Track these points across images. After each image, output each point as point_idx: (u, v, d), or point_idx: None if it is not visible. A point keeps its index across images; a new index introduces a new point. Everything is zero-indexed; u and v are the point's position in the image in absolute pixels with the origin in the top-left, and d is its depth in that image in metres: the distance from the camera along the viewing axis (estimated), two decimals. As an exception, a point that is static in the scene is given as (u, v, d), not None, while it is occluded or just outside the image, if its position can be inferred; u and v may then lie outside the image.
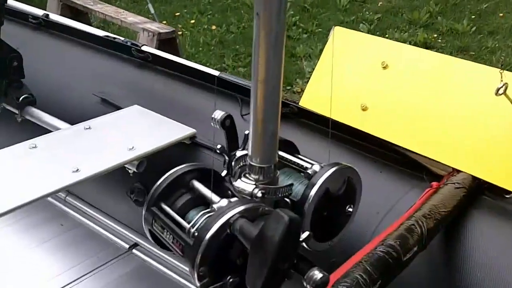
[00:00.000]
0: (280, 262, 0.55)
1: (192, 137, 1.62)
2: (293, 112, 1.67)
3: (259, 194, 0.67)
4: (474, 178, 1.33)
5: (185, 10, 5.56)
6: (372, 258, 1.04)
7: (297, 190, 0.73)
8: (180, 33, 4.85)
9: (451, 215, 1.23)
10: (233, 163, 0.73)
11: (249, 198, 0.68)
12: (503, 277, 1.19)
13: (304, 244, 0.71)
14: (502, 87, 1.25)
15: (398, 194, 1.41)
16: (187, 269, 1.83)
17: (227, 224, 0.62)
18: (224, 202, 0.66)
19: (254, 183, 0.69)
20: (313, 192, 0.70)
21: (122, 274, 1.88)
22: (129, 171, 1.56)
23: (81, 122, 1.62)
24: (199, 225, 0.66)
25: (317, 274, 0.66)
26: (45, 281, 1.83)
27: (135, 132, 1.61)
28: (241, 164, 0.73)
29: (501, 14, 5.38)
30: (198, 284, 0.63)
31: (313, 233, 0.72)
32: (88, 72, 1.96)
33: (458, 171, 1.36)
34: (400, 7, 5.56)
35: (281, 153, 0.79)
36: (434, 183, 1.35)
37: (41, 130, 1.65)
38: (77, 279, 1.84)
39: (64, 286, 1.81)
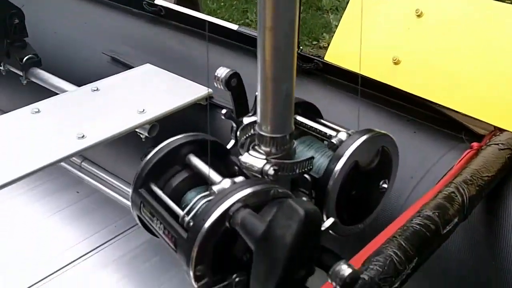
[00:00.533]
0: (294, 270, 0.41)
1: (208, 98, 1.49)
2: (318, 68, 1.52)
3: (271, 171, 0.52)
4: (520, 138, 1.18)
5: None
6: (407, 232, 0.91)
7: (319, 164, 0.58)
8: (200, -15, 4.66)
9: (495, 180, 1.08)
10: (238, 132, 0.59)
11: (259, 176, 0.53)
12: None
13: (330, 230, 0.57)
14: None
15: (434, 157, 1.26)
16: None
17: (226, 215, 0.48)
18: (226, 183, 0.51)
19: (265, 157, 0.54)
20: (338, 166, 0.55)
21: (142, 243, 1.78)
22: (141, 136, 1.44)
23: (89, 83, 1.50)
24: (196, 212, 0.52)
25: (345, 270, 0.52)
26: (63, 251, 1.74)
27: (147, 93, 1.47)
28: (249, 134, 0.59)
29: None
30: (195, 286, 0.50)
31: (340, 217, 0.58)
32: (97, 29, 1.80)
33: (502, 130, 1.21)
34: None
35: (299, 118, 0.64)
36: (475, 144, 1.20)
37: (47, 92, 1.53)
38: (95, 248, 1.75)
39: (82, 256, 1.73)
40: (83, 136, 1.26)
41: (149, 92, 1.47)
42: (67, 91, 1.50)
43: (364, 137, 0.56)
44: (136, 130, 1.39)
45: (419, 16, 1.33)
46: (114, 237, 1.81)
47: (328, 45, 1.48)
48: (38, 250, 1.75)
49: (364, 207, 0.61)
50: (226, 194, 0.49)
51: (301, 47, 1.51)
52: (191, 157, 0.58)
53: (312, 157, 0.56)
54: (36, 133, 1.27)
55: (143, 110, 1.38)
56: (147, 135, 1.41)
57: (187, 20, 1.70)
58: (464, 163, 1.13)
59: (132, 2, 1.78)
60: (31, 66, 1.58)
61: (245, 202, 0.48)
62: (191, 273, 0.49)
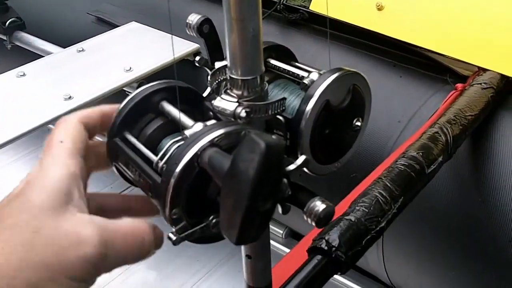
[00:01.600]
0: (259, 203, 0.42)
1: (196, 53, 1.48)
2: (304, 18, 1.51)
3: (243, 114, 0.53)
4: (503, 77, 1.18)
5: None
6: (393, 173, 0.92)
7: (293, 106, 0.58)
8: None
9: (478, 119, 1.09)
10: (209, 77, 0.59)
11: (232, 119, 0.54)
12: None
13: (305, 169, 0.58)
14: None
15: (420, 100, 1.27)
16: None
17: (197, 156, 0.49)
18: (198, 126, 0.52)
19: (236, 100, 0.54)
20: (310, 106, 0.55)
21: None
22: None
23: (75, 44, 1.49)
24: (169, 156, 0.53)
25: (319, 205, 0.52)
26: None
27: (133, 51, 1.47)
28: (221, 79, 0.59)
29: None
30: (173, 229, 0.51)
31: (315, 155, 0.58)
32: (81, -11, 1.80)
33: (485, 70, 1.22)
34: None
35: (273, 61, 0.64)
36: (459, 85, 1.21)
37: (33, 56, 1.52)
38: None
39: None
40: (70, 97, 1.26)
41: (136, 50, 1.47)
42: (52, 53, 1.49)
43: (334, 76, 0.56)
44: (124, 88, 1.38)
45: (401, -41, 1.32)
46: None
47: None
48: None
49: (339, 145, 0.62)
50: (197, 136, 0.49)
51: (286, -3, 1.50)
52: (164, 104, 0.58)
53: (284, 98, 0.56)
54: (22, 96, 1.27)
55: (130, 68, 1.38)
56: (135, 93, 1.41)
57: (171, -24, 1.68)
58: (448, 104, 1.14)
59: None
60: (15, 30, 1.57)
61: (216, 143, 0.48)
62: (168, 218, 0.50)
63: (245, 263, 0.67)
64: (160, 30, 1.57)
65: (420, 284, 1.31)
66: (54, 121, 1.21)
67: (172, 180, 0.47)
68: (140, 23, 1.60)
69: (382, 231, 0.86)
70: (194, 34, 0.62)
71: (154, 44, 1.51)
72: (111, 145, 0.56)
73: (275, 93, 0.61)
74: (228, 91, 0.55)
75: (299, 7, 1.53)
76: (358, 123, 0.61)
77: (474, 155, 1.14)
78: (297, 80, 0.61)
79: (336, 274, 0.78)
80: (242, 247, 0.65)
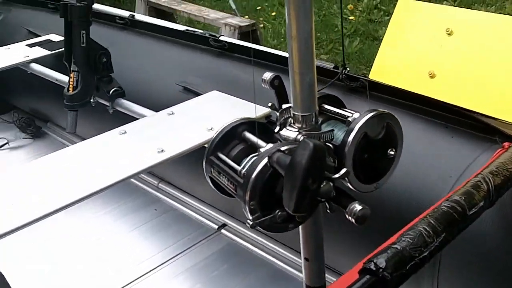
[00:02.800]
0: (308, 183, 0.66)
1: (267, 116, 1.74)
2: (363, 86, 1.75)
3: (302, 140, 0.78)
4: (546, 136, 1.36)
5: (266, 4, 5.70)
6: (437, 213, 1.10)
7: (338, 136, 0.82)
8: (261, 25, 4.99)
9: (521, 172, 1.26)
10: (278, 114, 0.84)
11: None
12: None
13: (349, 185, 0.81)
14: None
15: (470, 158, 1.45)
16: (273, 246, 1.95)
17: (268, 161, 0.73)
18: (269, 146, 0.77)
19: (297, 130, 0.79)
20: (351, 136, 0.79)
21: (212, 253, 2.04)
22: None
23: (165, 108, 1.79)
24: (249, 166, 0.78)
25: (358, 207, 0.75)
26: (140, 262, 2.02)
27: (214, 114, 1.76)
28: (286, 116, 0.84)
29: None
30: (250, 217, 0.74)
31: (356, 174, 0.81)
32: (171, 64, 2.14)
33: (531, 131, 1.40)
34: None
35: (327, 106, 0.89)
36: (506, 144, 1.38)
37: (130, 118, 1.84)
38: (169, 259, 2.02)
39: (158, 266, 2.00)
40: (162, 151, 1.54)
41: (216, 113, 1.76)
42: (147, 116, 1.79)
43: (370, 114, 0.81)
44: (206, 145, 1.65)
45: (449, 34, 1.55)
46: (187, 249, 2.07)
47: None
48: (120, 261, 2.05)
49: (376, 169, 0.85)
50: (268, 151, 0.74)
51: (347, 68, 1.74)
52: (246, 133, 0.84)
53: (332, 130, 0.81)
54: (124, 149, 1.57)
55: (211, 128, 1.65)
56: (215, 150, 1.67)
57: (247, 52, 1.98)
58: (494, 160, 1.31)
59: (200, 40, 2.09)
60: (117, 97, 1.91)
61: (281, 151, 0.73)
62: (247, 208, 0.74)
63: (304, 265, 0.89)
64: (237, 97, 1.84)
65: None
66: (150, 169, 1.49)
67: (251, 180, 0.72)
68: (220, 91, 1.89)
69: (425, 260, 1.04)
70: (268, 87, 0.87)
71: (231, 108, 1.80)
72: (208, 161, 0.82)
73: (327, 129, 0.85)
74: (292, 124, 0.80)
75: (359, 76, 1.77)
76: (392, 152, 0.84)
77: None
78: (344, 120, 0.85)
79: (382, 293, 0.96)
80: (301, 250, 0.88)
